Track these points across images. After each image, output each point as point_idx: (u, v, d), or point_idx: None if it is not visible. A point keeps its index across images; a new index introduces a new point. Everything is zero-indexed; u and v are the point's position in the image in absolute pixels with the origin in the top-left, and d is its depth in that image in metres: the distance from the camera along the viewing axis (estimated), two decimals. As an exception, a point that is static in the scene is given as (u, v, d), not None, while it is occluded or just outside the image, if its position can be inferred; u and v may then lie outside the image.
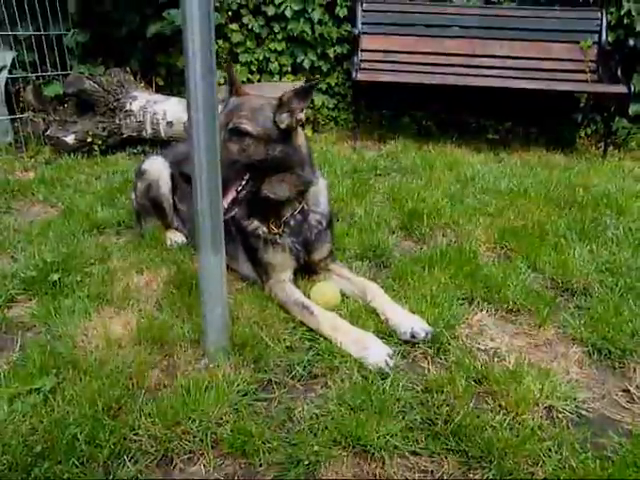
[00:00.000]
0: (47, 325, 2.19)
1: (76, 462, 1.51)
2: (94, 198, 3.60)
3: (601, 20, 5.31)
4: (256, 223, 2.41)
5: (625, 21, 5.28)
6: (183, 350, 2.03)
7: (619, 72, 5.15)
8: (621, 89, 4.85)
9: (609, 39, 5.32)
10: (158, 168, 2.96)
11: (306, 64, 5.90)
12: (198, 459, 1.58)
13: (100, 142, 4.71)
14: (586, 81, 5.22)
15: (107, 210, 3.40)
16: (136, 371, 1.87)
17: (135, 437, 1.62)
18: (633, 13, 5.19)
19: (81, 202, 3.50)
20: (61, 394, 1.76)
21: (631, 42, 5.20)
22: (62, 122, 4.76)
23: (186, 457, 1.58)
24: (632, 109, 5.47)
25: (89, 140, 4.65)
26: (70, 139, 4.63)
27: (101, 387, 1.76)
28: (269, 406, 1.78)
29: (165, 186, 2.92)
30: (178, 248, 2.87)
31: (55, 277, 2.49)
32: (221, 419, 1.68)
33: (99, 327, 2.16)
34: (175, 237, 2.97)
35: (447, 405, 1.73)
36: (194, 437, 1.62)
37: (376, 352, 1.95)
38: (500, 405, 1.75)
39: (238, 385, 1.80)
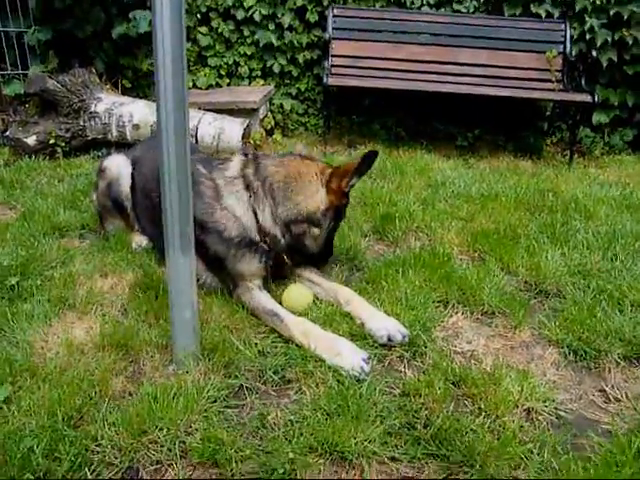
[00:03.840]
0: (3, 331, 2.06)
1: (31, 477, 1.40)
2: (56, 201, 3.45)
3: (565, 32, 5.44)
4: None
5: (587, 36, 5.42)
6: (150, 356, 1.93)
7: (583, 82, 5.30)
8: (586, 98, 4.96)
9: (573, 51, 5.45)
10: (118, 165, 2.86)
11: (276, 68, 5.86)
12: (166, 470, 1.49)
13: (63, 144, 4.53)
14: (552, 90, 5.32)
15: (70, 213, 3.25)
16: (99, 378, 1.77)
17: (98, 448, 1.52)
18: (595, 29, 5.33)
19: (42, 205, 3.34)
20: (17, 404, 1.65)
21: (594, 53, 5.34)
22: (23, 123, 4.57)
23: (153, 468, 1.49)
24: (595, 118, 5.60)
25: (51, 142, 4.47)
26: (31, 140, 4.44)
27: (61, 396, 1.66)
28: (241, 413, 1.70)
29: (126, 185, 2.81)
30: (144, 251, 2.76)
31: (13, 281, 2.36)
32: (190, 427, 1.59)
33: (60, 333, 2.05)
34: (141, 240, 2.85)
35: (426, 409, 1.69)
36: (162, 447, 1.53)
37: (351, 357, 1.88)
38: (479, 408, 1.71)
39: (208, 391, 1.71)
